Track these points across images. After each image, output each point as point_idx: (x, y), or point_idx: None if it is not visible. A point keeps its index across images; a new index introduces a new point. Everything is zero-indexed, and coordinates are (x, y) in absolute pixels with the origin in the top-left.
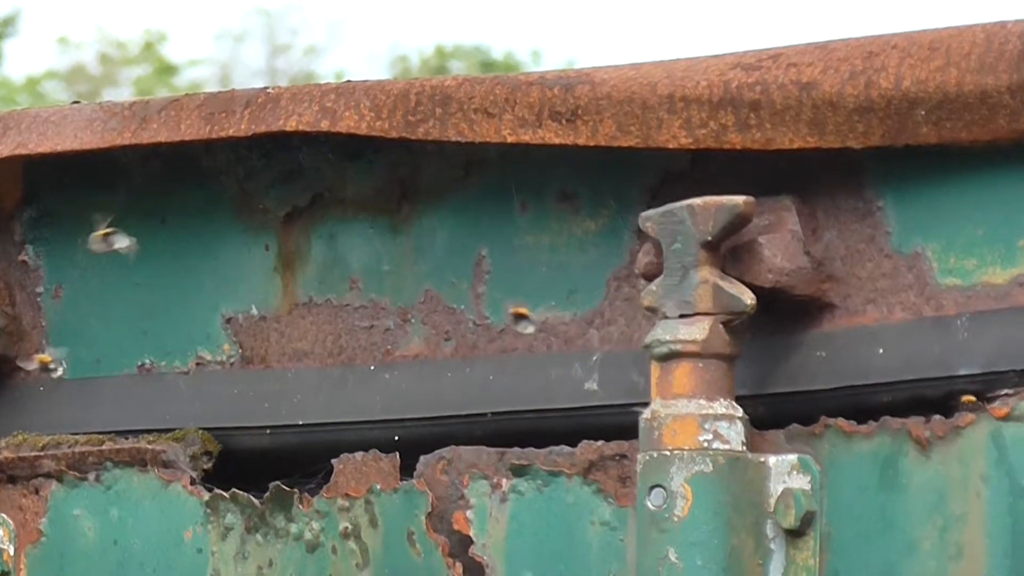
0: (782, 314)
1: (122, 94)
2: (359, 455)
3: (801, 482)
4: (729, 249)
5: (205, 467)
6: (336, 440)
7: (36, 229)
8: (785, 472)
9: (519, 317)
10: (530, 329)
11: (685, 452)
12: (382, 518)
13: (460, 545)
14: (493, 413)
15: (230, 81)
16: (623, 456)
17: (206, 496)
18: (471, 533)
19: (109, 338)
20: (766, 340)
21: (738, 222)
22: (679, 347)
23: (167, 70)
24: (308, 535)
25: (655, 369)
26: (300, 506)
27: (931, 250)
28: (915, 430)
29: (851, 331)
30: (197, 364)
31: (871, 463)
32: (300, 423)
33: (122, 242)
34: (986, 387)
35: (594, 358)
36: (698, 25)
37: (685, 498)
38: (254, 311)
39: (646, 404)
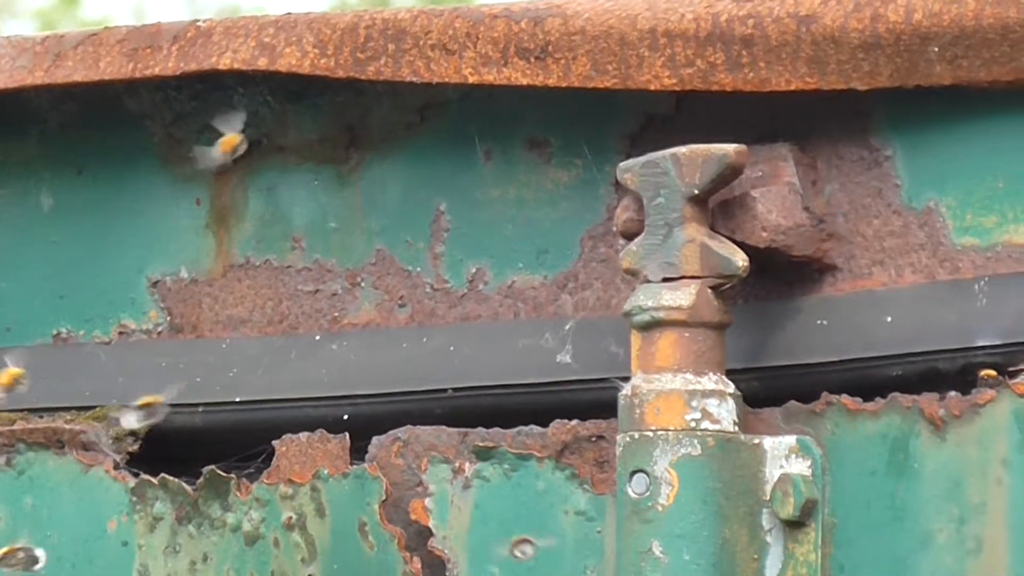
0: (778, 277)
1: (22, 27)
2: (304, 436)
3: (800, 467)
4: (718, 204)
5: (130, 449)
6: (278, 419)
7: None
8: (782, 455)
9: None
10: None
11: (670, 433)
12: (330, 507)
13: (418, 537)
14: (454, 389)
15: (144, 14)
16: (600, 437)
17: (132, 482)
18: (430, 524)
19: (20, 303)
20: (760, 307)
21: (728, 173)
22: (662, 314)
23: (72, 0)
24: (247, 526)
25: (636, 339)
26: (238, 493)
27: (946, 205)
28: (928, 408)
29: (856, 297)
30: (120, 333)
31: (879, 445)
32: (237, 400)
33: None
34: (1008, 360)
35: (567, 327)
36: None
37: (670, 484)
38: (184, 273)
39: (626, 379)
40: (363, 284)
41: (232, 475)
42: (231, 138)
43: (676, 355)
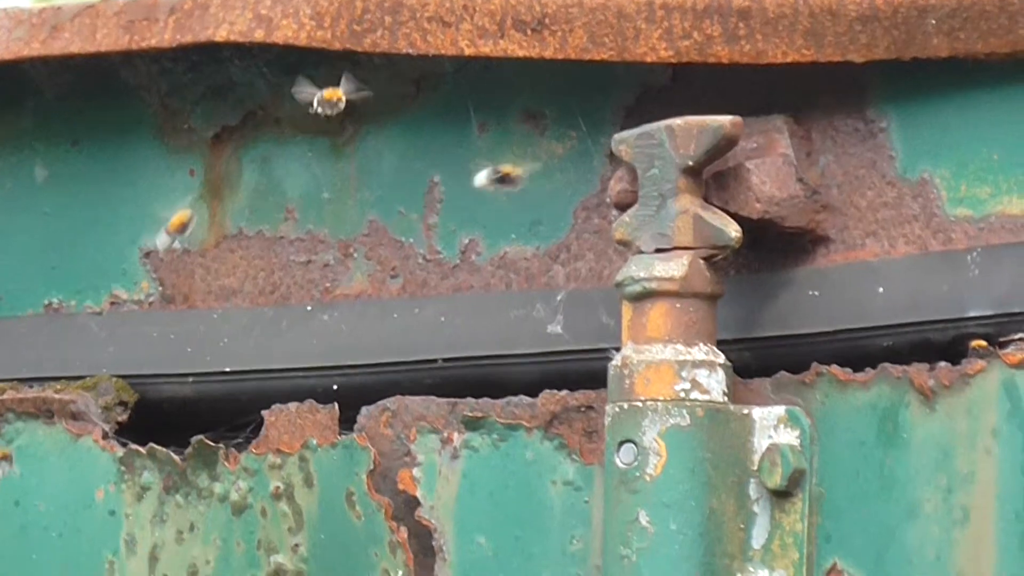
0: (771, 248)
1: (17, 1)
2: (293, 406)
3: (789, 437)
4: (712, 175)
5: (119, 419)
6: (267, 389)
7: None
8: (771, 426)
9: None
10: None
11: (659, 403)
12: (318, 477)
13: (406, 507)
14: (444, 359)
15: None
16: (590, 407)
17: (120, 451)
18: (418, 494)
19: (12, 274)
20: (752, 278)
21: (723, 145)
22: (654, 285)
23: None
24: (235, 495)
25: (627, 310)
26: (226, 463)
27: (940, 177)
28: (918, 379)
29: (848, 268)
30: (111, 303)
31: (868, 416)
32: (227, 370)
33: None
34: (999, 331)
35: (559, 297)
36: None
37: (659, 455)
38: (176, 244)
39: (617, 349)
40: (355, 255)
41: (220, 445)
42: (334, 91)
43: (667, 326)
